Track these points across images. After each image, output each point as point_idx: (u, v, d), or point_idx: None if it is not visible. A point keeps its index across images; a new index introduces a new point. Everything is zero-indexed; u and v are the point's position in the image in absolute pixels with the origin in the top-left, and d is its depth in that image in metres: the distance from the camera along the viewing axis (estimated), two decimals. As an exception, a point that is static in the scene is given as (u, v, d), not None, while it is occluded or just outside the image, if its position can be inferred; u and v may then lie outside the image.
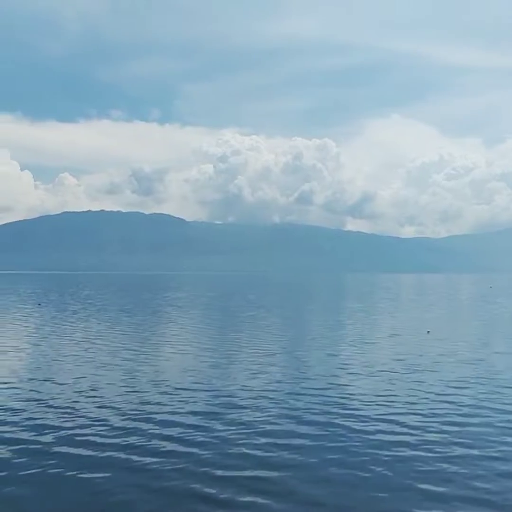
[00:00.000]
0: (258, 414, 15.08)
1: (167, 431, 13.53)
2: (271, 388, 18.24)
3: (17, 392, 17.47)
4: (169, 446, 12.53)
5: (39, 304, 59.43)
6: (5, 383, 18.84)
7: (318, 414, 15.12)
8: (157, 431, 13.55)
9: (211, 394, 17.29)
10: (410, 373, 20.97)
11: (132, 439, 12.92)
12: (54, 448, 12.34)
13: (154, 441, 12.81)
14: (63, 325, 38.35)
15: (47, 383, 18.91)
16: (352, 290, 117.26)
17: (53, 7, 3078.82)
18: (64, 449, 12.28)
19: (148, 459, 11.69)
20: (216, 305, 65.04)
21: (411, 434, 13.44)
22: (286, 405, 15.99)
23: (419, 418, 14.82)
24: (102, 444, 12.57)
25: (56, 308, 56.08)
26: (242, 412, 15.21)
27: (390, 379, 19.72)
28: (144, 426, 13.94)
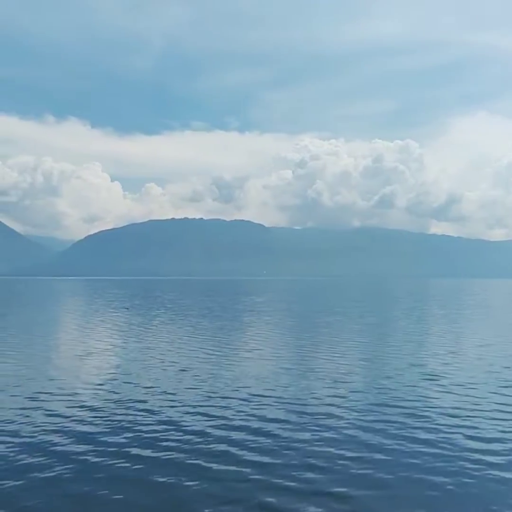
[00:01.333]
0: (331, 424, 14.58)
1: (239, 439, 13.40)
2: (347, 398, 17.62)
3: (101, 392, 18.18)
4: (241, 453, 12.37)
5: (127, 308, 62.36)
6: (91, 383, 19.71)
7: (396, 428, 14.34)
8: (229, 438, 13.47)
9: (286, 402, 16.98)
10: (502, 387, 19.47)
11: (204, 445, 12.92)
12: (128, 449, 12.60)
13: (225, 448, 12.72)
14: (147, 328, 39.78)
15: (129, 384, 19.52)
16: (437, 296, 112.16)
17: (138, 25, 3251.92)
18: (138, 450, 12.50)
19: (218, 467, 11.60)
20: (294, 310, 64.74)
21: (497, 454, 12.39)
22: (362, 417, 15.35)
23: (508, 437, 13.66)
24: (177, 448, 12.69)
25: (142, 312, 58.39)
26: (315, 422, 14.78)
27: (477, 393, 18.39)
28: (216, 431, 13.92)
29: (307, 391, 18.60)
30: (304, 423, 14.77)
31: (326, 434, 13.77)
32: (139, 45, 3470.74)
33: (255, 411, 15.93)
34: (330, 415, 15.48)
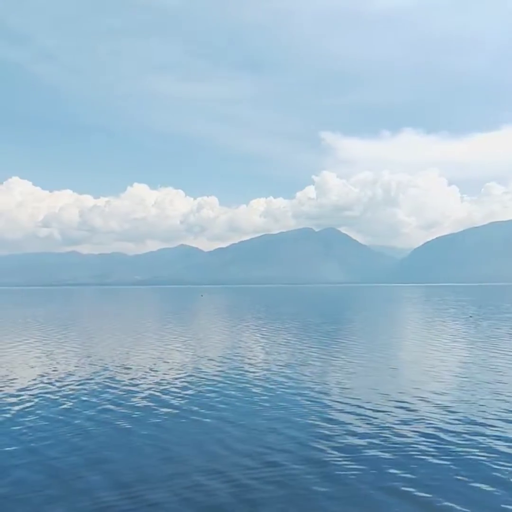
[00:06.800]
0: None
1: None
2: None
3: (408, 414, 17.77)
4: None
5: (471, 316, 61.02)
6: (399, 400, 19.45)
7: None
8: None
9: None
10: None
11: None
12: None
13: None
14: (478, 341, 37.03)
15: (420, 409, 18.56)
16: None
17: (473, 25, 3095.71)
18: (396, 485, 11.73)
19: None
20: None
21: None
22: None
23: None
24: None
25: (478, 322, 54.78)
26: None
27: None
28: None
29: None
30: None
31: None
32: (473, 45, 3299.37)
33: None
34: None
